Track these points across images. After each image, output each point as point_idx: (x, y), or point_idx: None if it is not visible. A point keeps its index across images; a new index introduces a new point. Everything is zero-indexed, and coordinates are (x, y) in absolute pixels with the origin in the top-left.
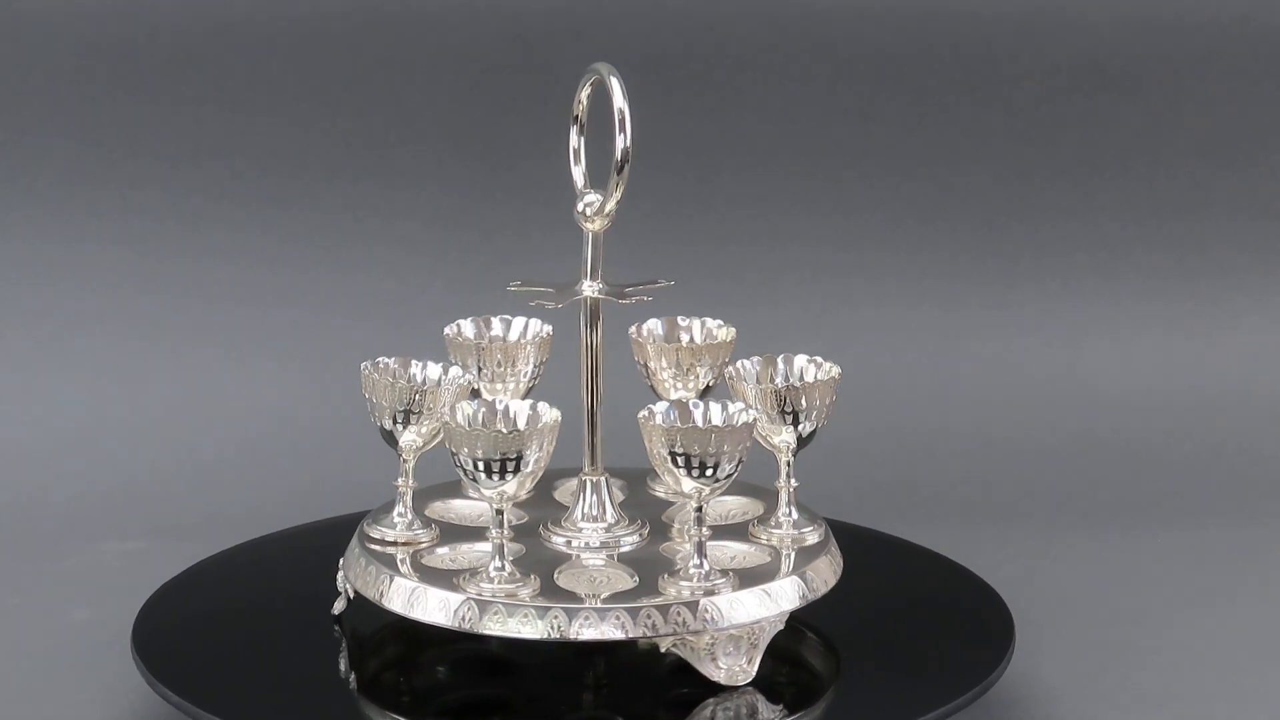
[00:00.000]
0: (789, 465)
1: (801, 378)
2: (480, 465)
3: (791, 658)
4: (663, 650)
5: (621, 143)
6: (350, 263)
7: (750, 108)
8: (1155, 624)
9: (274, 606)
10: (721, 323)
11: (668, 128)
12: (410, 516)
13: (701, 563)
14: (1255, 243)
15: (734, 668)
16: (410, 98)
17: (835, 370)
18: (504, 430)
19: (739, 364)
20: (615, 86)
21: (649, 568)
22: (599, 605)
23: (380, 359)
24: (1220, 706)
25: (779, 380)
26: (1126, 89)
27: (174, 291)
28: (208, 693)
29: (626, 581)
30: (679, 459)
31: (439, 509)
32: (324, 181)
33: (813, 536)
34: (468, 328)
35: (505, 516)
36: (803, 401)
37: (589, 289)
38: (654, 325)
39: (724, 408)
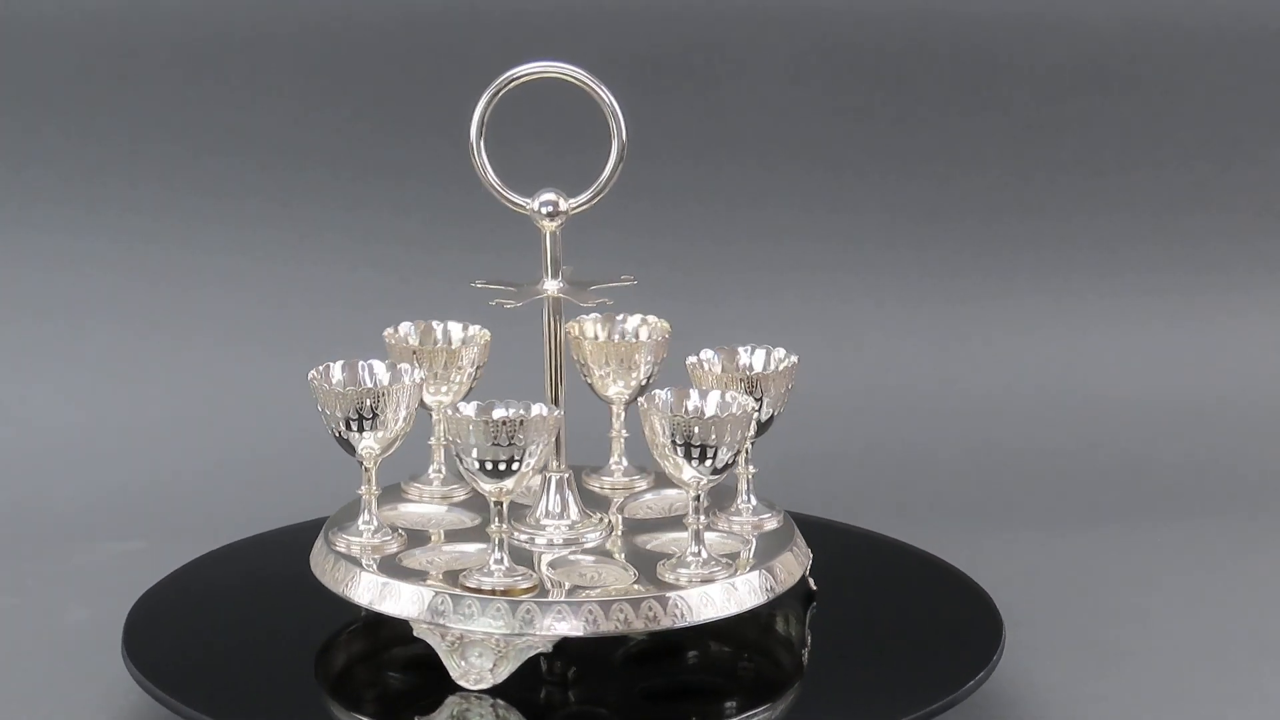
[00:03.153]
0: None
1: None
2: (680, 449)
3: (781, 656)
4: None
5: (618, 138)
6: (350, 264)
7: (749, 107)
8: (1147, 625)
9: (266, 606)
10: (476, 325)
11: (666, 126)
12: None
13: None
14: (1254, 243)
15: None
16: (409, 98)
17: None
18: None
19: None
20: (596, 84)
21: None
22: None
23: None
24: (1212, 707)
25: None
26: (1125, 88)
27: (172, 295)
28: (200, 691)
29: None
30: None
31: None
32: (324, 182)
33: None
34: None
35: (702, 502)
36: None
37: (551, 287)
38: (407, 328)
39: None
